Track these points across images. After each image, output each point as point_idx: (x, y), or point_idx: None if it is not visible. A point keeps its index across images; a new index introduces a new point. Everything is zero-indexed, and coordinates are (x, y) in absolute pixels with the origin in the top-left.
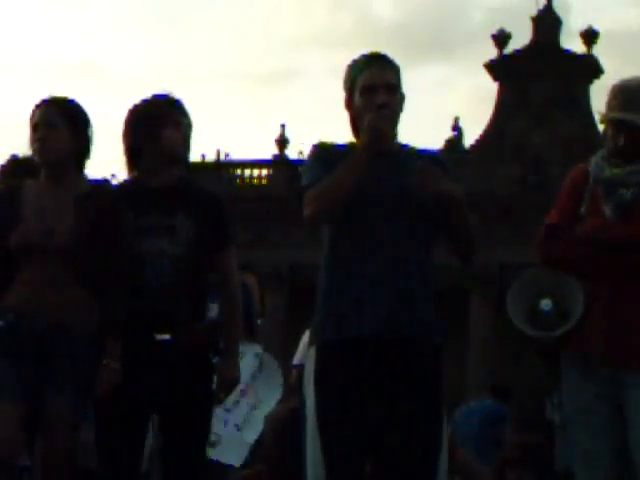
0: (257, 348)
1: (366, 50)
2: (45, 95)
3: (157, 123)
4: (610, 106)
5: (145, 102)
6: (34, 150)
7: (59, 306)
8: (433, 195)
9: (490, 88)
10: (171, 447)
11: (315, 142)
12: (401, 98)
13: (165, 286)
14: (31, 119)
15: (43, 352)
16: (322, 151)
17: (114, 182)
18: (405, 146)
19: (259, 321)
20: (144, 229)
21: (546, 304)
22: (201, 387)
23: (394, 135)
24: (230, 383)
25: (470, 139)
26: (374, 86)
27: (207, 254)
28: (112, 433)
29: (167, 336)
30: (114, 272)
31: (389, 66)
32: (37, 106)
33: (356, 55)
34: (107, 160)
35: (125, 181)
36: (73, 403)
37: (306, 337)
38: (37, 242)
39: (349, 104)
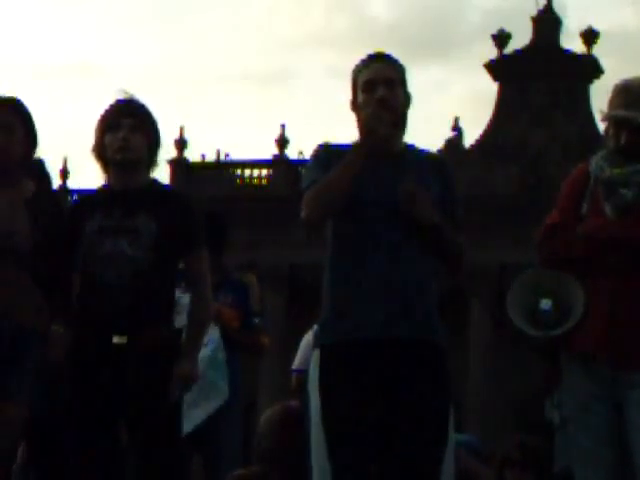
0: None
1: (363, 50)
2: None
3: (98, 130)
4: (612, 105)
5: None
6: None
7: (22, 308)
8: (414, 217)
9: (487, 88)
10: (140, 451)
11: (318, 143)
12: (407, 97)
13: (123, 288)
14: None
15: (9, 353)
16: (323, 152)
17: None
18: (418, 149)
19: (257, 320)
20: (106, 230)
21: (546, 303)
22: (160, 390)
23: (396, 135)
24: (184, 381)
25: (470, 139)
26: (374, 81)
27: (173, 256)
28: (83, 438)
29: (124, 339)
30: (62, 272)
31: (389, 63)
32: None
33: (353, 55)
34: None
35: (102, 186)
36: (27, 404)
37: (304, 342)
38: None
39: (354, 105)
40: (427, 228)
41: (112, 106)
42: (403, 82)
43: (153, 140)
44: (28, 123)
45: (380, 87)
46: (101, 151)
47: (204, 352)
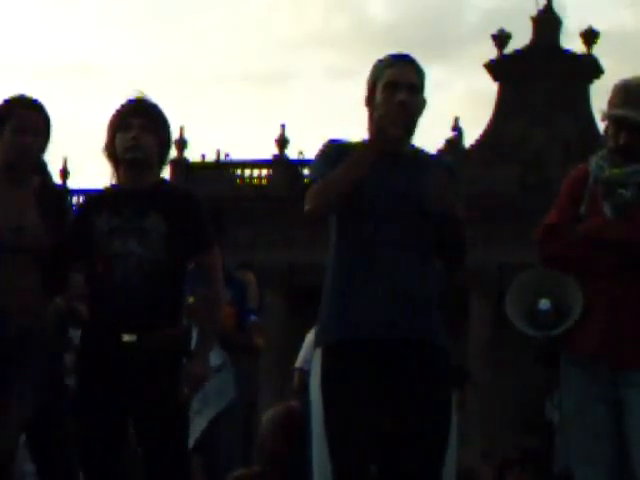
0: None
1: (363, 51)
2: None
3: (109, 129)
4: (611, 104)
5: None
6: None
7: (26, 308)
8: (439, 210)
9: (487, 88)
10: (147, 451)
11: (327, 138)
12: (422, 102)
13: (132, 287)
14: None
15: (10, 354)
16: (330, 148)
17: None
18: (421, 151)
19: (254, 317)
20: (115, 230)
21: (544, 303)
22: (169, 389)
23: (406, 138)
24: (195, 380)
25: (470, 139)
26: (396, 83)
27: (183, 256)
28: (92, 438)
29: (133, 337)
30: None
31: (413, 67)
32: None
33: (352, 55)
34: (104, 160)
35: (111, 185)
36: (30, 404)
37: (307, 341)
38: (7, 240)
39: (369, 102)
40: (451, 221)
41: (123, 106)
42: (422, 88)
43: (164, 140)
44: (49, 127)
45: (402, 91)
46: (112, 150)
47: None
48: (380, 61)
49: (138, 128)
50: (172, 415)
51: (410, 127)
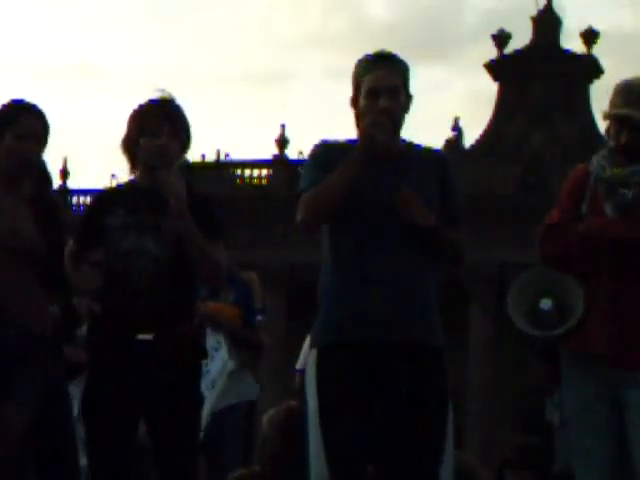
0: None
1: (362, 51)
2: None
3: (133, 127)
4: (613, 104)
5: (135, 107)
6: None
7: (28, 310)
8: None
9: (487, 88)
10: (160, 449)
11: (316, 141)
12: (408, 98)
13: (147, 285)
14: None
15: (10, 355)
16: (321, 152)
17: (114, 182)
18: (418, 146)
19: (260, 317)
20: (130, 227)
21: (546, 303)
22: (185, 387)
23: (395, 138)
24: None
25: (470, 139)
26: (376, 90)
27: None
28: (102, 436)
29: (149, 336)
30: (62, 273)
31: (393, 67)
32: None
33: (352, 56)
34: (104, 160)
35: (119, 185)
36: (30, 405)
37: (307, 342)
38: (2, 241)
39: (354, 102)
40: (424, 229)
41: (152, 107)
42: (406, 84)
43: (185, 145)
44: (48, 134)
45: (383, 97)
46: (133, 149)
47: (221, 356)
48: (360, 63)
49: (167, 136)
50: (186, 414)
51: (398, 128)
